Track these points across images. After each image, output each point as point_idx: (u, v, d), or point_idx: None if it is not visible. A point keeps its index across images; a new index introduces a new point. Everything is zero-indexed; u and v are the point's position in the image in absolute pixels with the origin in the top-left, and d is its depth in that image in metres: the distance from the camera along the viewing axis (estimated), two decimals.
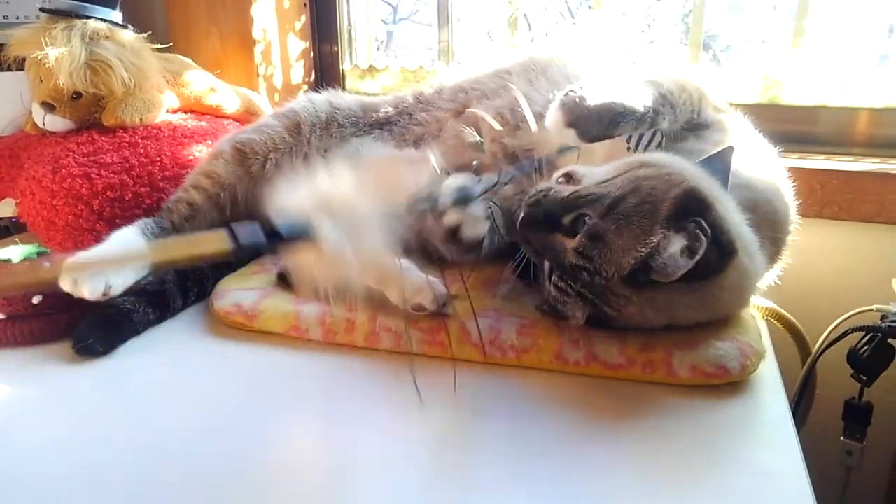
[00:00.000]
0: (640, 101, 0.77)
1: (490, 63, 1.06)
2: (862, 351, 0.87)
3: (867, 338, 0.88)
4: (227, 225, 0.58)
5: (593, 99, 0.75)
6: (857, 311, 0.92)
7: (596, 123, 0.75)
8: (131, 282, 0.79)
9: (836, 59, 1.37)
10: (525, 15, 1.54)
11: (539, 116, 0.80)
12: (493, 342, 0.75)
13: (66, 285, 0.73)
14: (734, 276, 0.69)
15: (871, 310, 0.91)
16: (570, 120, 0.75)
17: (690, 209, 0.65)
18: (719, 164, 0.73)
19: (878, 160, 1.12)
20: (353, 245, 0.58)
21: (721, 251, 0.66)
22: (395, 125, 1.00)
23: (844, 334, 0.89)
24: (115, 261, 0.61)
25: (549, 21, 1.92)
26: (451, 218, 0.73)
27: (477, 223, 0.75)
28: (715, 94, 0.89)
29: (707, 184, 0.69)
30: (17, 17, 1.26)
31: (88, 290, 0.74)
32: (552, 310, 0.73)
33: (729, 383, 0.71)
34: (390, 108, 1.03)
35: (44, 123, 1.06)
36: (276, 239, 0.56)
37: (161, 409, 0.68)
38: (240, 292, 0.85)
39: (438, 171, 0.76)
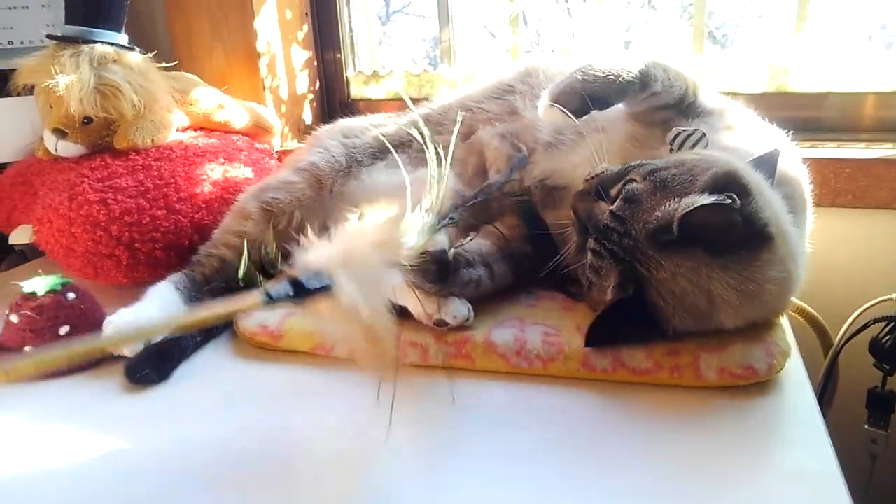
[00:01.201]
0: (623, 67, 0.79)
1: (491, 74, 1.07)
2: (885, 340, 0.88)
3: (889, 327, 0.88)
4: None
5: (573, 76, 0.79)
6: (877, 300, 0.92)
7: (577, 95, 0.77)
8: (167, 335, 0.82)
9: (841, 43, 1.37)
10: (524, 13, 1.53)
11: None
12: (519, 352, 0.76)
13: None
14: (778, 270, 0.69)
15: (891, 299, 0.91)
16: (553, 97, 0.78)
17: (728, 187, 0.66)
18: (766, 165, 0.73)
19: (890, 145, 1.12)
20: (367, 298, 0.61)
21: (751, 232, 0.66)
22: (410, 148, 1.01)
23: (866, 325, 0.89)
24: (153, 329, 0.64)
25: (550, 16, 1.92)
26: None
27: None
28: (710, 87, 0.89)
29: (753, 177, 0.70)
30: (22, 42, 1.27)
31: (130, 349, 0.78)
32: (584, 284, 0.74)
33: (756, 383, 0.71)
34: (402, 135, 1.04)
35: (56, 150, 1.06)
36: (302, 291, 0.59)
37: (196, 434, 0.69)
38: (263, 312, 0.86)
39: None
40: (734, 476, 0.60)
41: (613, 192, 0.72)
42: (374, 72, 1.51)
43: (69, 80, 0.99)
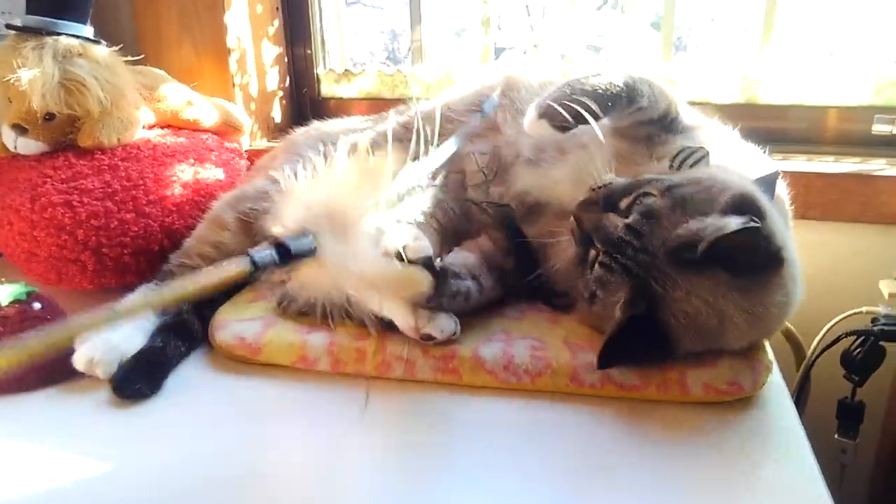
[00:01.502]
0: (610, 81, 0.79)
1: (469, 81, 1.06)
2: (856, 353, 0.90)
3: (860, 340, 0.90)
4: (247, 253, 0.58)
5: (560, 90, 0.78)
6: (847, 313, 0.94)
7: (564, 108, 0.76)
8: (141, 342, 0.79)
9: (807, 56, 1.40)
10: (499, 16, 1.53)
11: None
12: (507, 367, 0.75)
13: (80, 365, 0.74)
14: (782, 294, 0.70)
15: (861, 312, 0.93)
16: (540, 111, 0.78)
17: (746, 209, 0.66)
18: (767, 186, 0.74)
19: (858, 159, 1.15)
20: (354, 258, 0.60)
21: (769, 255, 0.67)
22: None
23: (838, 339, 0.91)
24: (125, 311, 0.59)
25: (517, 19, 1.91)
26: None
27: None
28: (684, 102, 0.90)
29: (762, 197, 0.71)
30: None
31: (103, 371, 0.74)
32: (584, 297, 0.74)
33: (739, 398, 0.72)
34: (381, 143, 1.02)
35: (15, 147, 1.00)
36: (287, 256, 0.58)
37: (172, 452, 0.67)
38: (240, 323, 0.83)
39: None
40: (723, 491, 0.61)
41: (623, 204, 0.71)
42: (346, 70, 1.48)
43: (32, 75, 0.93)
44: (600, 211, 0.72)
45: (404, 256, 0.68)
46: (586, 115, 0.74)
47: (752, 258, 0.66)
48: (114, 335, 0.77)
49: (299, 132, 1.10)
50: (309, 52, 1.48)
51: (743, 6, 1.71)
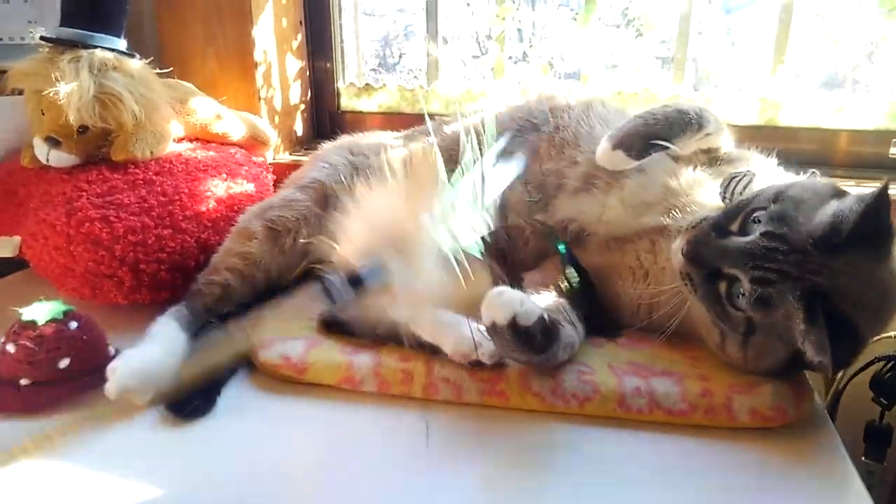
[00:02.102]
0: (675, 110, 0.83)
1: (499, 103, 1.06)
2: (886, 377, 0.91)
3: (891, 365, 0.92)
4: (320, 282, 0.58)
5: (634, 122, 0.82)
6: (878, 337, 0.95)
7: (640, 138, 0.81)
8: (175, 364, 0.79)
9: (823, 80, 1.43)
10: (519, 30, 1.54)
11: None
12: (555, 391, 0.75)
13: (114, 394, 0.73)
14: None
15: (892, 336, 0.95)
16: (615, 142, 0.82)
17: (844, 194, 0.70)
18: None
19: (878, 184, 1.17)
20: (421, 280, 0.61)
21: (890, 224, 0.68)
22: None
23: (869, 363, 0.92)
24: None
25: (540, 37, 1.93)
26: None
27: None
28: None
29: None
30: (2, 39, 1.19)
31: (140, 399, 0.75)
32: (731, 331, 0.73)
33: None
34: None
35: (47, 159, 1.00)
36: (360, 286, 0.59)
37: (220, 473, 0.67)
38: (284, 342, 0.83)
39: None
40: None
41: (734, 227, 0.71)
42: (367, 84, 1.48)
43: (69, 88, 0.93)
44: (717, 240, 0.71)
45: (518, 324, 0.67)
46: (661, 142, 0.76)
47: (885, 227, 0.67)
48: (147, 361, 0.76)
49: (328, 145, 1.10)
50: (329, 65, 1.49)
51: (757, 29, 1.73)
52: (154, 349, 0.78)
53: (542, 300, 0.80)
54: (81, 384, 0.76)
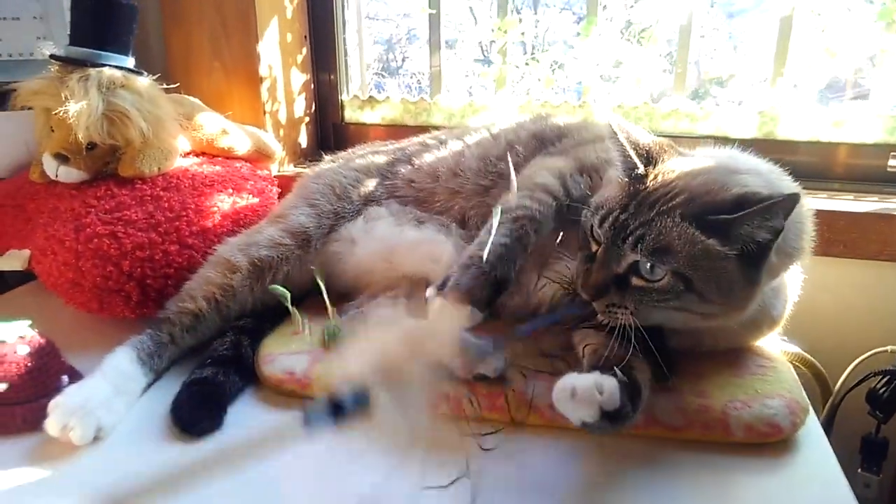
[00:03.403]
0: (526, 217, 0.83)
1: (481, 129, 1.08)
2: (881, 391, 0.93)
3: (886, 379, 0.93)
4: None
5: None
6: (872, 352, 0.97)
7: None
8: (124, 413, 0.78)
9: (822, 93, 1.44)
10: (523, 41, 1.55)
11: None
12: (554, 406, 0.77)
13: (53, 430, 0.72)
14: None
15: (887, 350, 0.96)
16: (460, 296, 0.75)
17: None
18: None
19: (876, 197, 1.18)
20: (405, 414, 0.57)
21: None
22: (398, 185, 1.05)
23: (865, 378, 0.94)
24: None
25: (542, 46, 1.94)
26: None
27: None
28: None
29: None
30: (10, 55, 1.21)
31: (79, 438, 0.72)
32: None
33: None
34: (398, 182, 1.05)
35: (56, 175, 1.02)
36: (341, 413, 0.56)
37: (233, 490, 0.68)
38: (287, 357, 0.84)
39: None
40: None
41: (593, 247, 0.75)
42: (371, 97, 1.50)
43: (79, 107, 0.95)
44: (592, 266, 0.74)
45: (608, 412, 0.66)
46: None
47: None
48: (91, 399, 0.75)
49: (311, 176, 1.09)
50: (333, 77, 1.50)
51: (758, 35, 1.75)
52: (101, 386, 0.77)
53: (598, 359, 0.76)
54: (11, 412, 0.75)
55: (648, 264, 0.70)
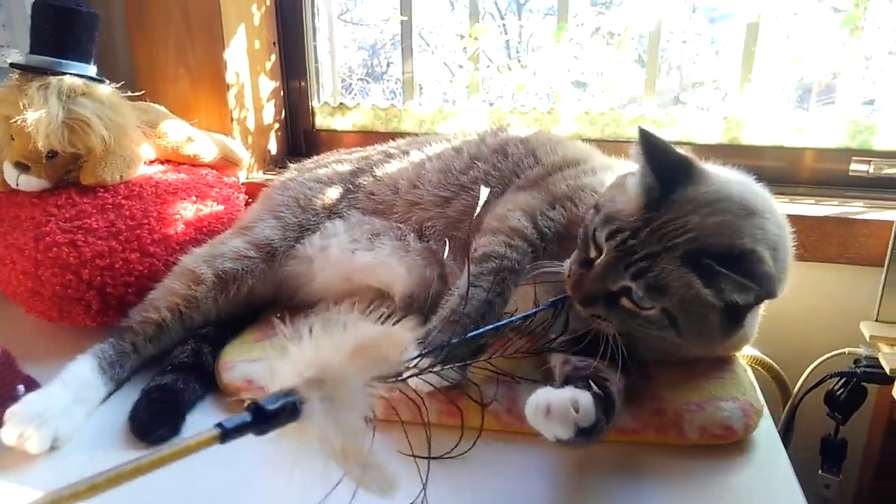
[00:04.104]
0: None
1: (447, 140, 1.09)
2: (839, 393, 0.94)
3: (843, 381, 0.94)
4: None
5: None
6: (831, 354, 0.98)
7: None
8: (83, 422, 0.78)
9: (786, 99, 1.46)
10: (483, 51, 1.56)
11: None
12: (511, 410, 0.77)
13: (8, 439, 0.71)
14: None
15: (844, 353, 0.97)
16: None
17: None
18: None
19: (836, 201, 1.20)
20: (336, 427, 0.54)
21: None
22: (360, 197, 1.05)
23: (823, 380, 0.95)
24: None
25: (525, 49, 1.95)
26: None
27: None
28: None
29: None
30: None
31: (35, 447, 0.72)
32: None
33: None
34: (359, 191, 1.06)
35: (17, 184, 1.01)
36: (263, 418, 0.52)
37: (190, 497, 0.68)
38: (247, 364, 0.84)
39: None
40: None
41: (593, 254, 0.74)
42: (341, 104, 1.50)
43: (37, 115, 0.94)
44: (588, 273, 0.74)
45: (584, 428, 0.66)
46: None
47: (674, 156, 0.74)
48: (49, 408, 0.75)
49: (276, 187, 1.09)
50: (303, 84, 1.50)
51: (724, 47, 1.77)
52: (60, 395, 0.77)
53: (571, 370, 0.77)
54: None
55: (642, 296, 0.70)
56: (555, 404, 0.66)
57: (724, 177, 0.77)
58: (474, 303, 0.78)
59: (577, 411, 0.66)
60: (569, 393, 0.67)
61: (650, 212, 0.71)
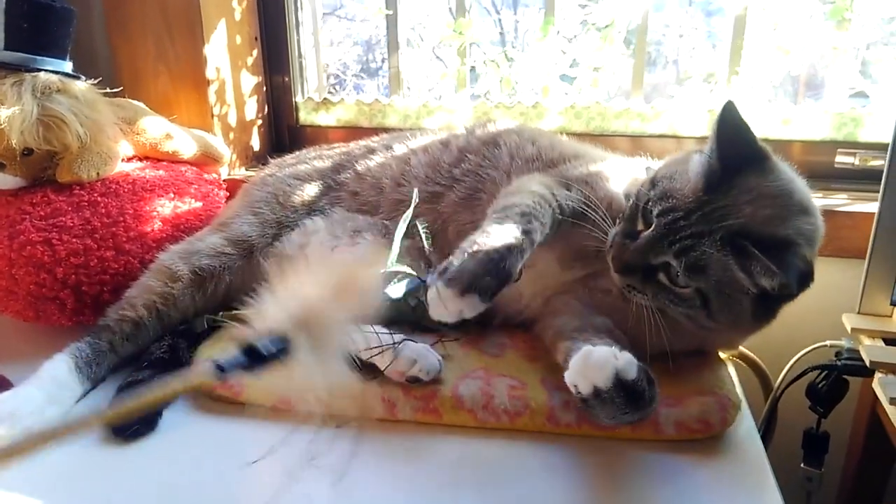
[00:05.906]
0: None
1: (431, 136, 1.08)
2: (821, 386, 0.93)
3: (824, 374, 0.93)
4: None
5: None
6: (812, 347, 0.98)
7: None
8: (55, 415, 0.76)
9: (773, 91, 1.45)
10: (470, 44, 1.55)
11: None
12: (486, 407, 0.77)
13: None
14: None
15: (826, 345, 0.97)
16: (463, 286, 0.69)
17: None
18: None
19: (820, 193, 1.19)
20: (326, 362, 0.57)
21: None
22: (343, 195, 1.04)
23: (804, 372, 0.94)
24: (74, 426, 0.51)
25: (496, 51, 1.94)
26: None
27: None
28: None
29: None
30: None
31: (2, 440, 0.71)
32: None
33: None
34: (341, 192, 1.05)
35: None
36: (257, 359, 0.55)
37: (164, 494, 0.68)
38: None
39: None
40: None
41: (640, 226, 0.76)
42: (325, 99, 1.49)
43: (11, 112, 0.93)
44: (632, 244, 0.76)
45: (623, 380, 0.66)
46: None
47: (747, 138, 0.75)
48: (21, 408, 0.74)
49: (254, 184, 1.08)
50: (287, 79, 1.49)
51: (713, 39, 1.76)
52: (33, 395, 0.76)
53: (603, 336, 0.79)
54: None
55: (679, 274, 0.72)
56: (597, 350, 0.68)
57: (790, 175, 0.78)
58: (502, 235, 0.73)
59: (617, 359, 0.67)
60: (611, 348, 0.69)
61: (707, 194, 0.71)
